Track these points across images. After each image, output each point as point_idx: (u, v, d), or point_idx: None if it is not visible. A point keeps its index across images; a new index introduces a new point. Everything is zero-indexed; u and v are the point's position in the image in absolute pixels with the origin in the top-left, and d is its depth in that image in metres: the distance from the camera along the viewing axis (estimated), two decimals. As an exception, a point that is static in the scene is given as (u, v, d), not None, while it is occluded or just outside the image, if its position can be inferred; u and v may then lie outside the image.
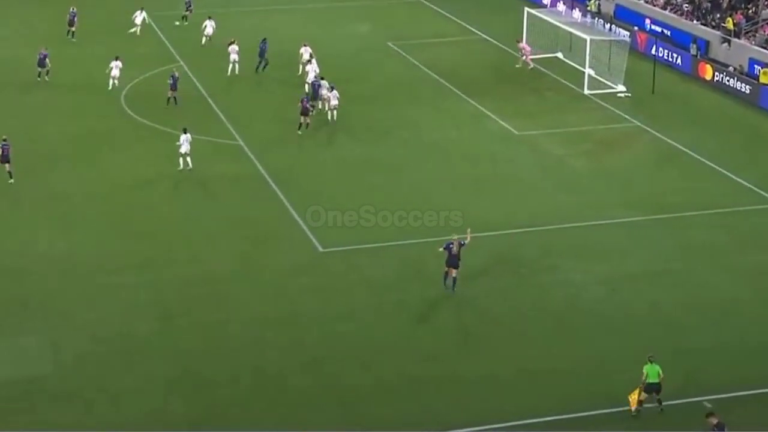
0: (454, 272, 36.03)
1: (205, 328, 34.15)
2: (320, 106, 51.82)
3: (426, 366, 32.20)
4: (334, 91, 51.26)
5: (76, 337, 33.62)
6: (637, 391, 29.54)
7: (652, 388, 29.48)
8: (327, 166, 46.82)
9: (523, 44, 59.56)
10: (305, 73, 54.81)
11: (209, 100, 54.59)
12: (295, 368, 32.11)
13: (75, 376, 31.61)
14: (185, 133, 45.63)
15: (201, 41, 63.10)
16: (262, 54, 57.62)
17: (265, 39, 58.01)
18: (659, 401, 29.68)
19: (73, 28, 64.13)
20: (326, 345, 33.31)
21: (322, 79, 52.85)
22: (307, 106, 50.17)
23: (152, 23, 67.46)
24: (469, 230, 36.83)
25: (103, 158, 47.33)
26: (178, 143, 45.55)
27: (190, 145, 45.44)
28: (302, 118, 49.92)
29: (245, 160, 47.26)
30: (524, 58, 59.02)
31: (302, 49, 57.06)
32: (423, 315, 35.12)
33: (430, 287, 36.48)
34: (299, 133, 49.65)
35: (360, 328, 34.26)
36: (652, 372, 29.43)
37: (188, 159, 45.58)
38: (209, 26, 63.25)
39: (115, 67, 55.61)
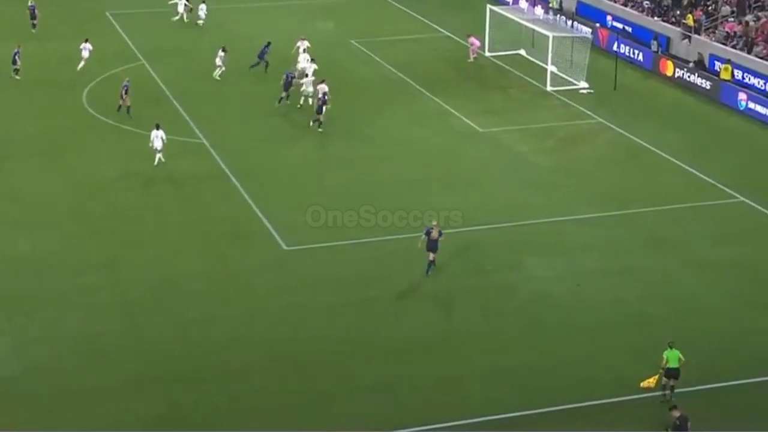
0: (431, 256, 36.71)
1: (171, 328, 33.98)
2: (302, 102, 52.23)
3: (395, 364, 32.18)
4: (322, 85, 50.81)
5: (42, 338, 33.33)
6: (652, 378, 30.03)
7: (671, 374, 29.94)
8: (291, 164, 46.62)
9: (473, 38, 59.74)
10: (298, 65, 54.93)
11: (171, 98, 54.26)
12: (263, 367, 32.02)
13: (40, 378, 31.33)
14: (158, 129, 45.48)
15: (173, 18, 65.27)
16: (261, 56, 57.27)
17: (269, 43, 57.60)
18: (672, 388, 30.06)
19: (35, 21, 63.86)
20: (294, 343, 33.19)
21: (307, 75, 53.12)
22: (290, 81, 51.55)
23: (114, 21, 67.08)
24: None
25: (65, 157, 46.93)
26: (150, 139, 45.38)
27: (163, 141, 45.34)
28: (284, 93, 51.60)
29: (208, 158, 47.03)
30: (473, 53, 59.15)
31: (298, 42, 57.27)
32: (391, 313, 35.06)
33: (398, 284, 36.48)
34: (317, 128, 49.80)
35: (328, 326, 34.15)
36: (672, 357, 29.89)
37: (160, 155, 45.48)
38: (201, 10, 65.85)
39: (85, 49, 56.32)
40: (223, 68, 56.25)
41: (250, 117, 52.06)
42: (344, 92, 54.95)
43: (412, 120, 51.99)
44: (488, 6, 62.13)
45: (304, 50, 56.09)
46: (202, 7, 65.93)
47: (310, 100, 51.70)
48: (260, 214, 41.48)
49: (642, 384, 30.06)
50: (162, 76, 57.28)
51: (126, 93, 50.71)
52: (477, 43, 59.85)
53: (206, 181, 44.92)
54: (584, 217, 41.52)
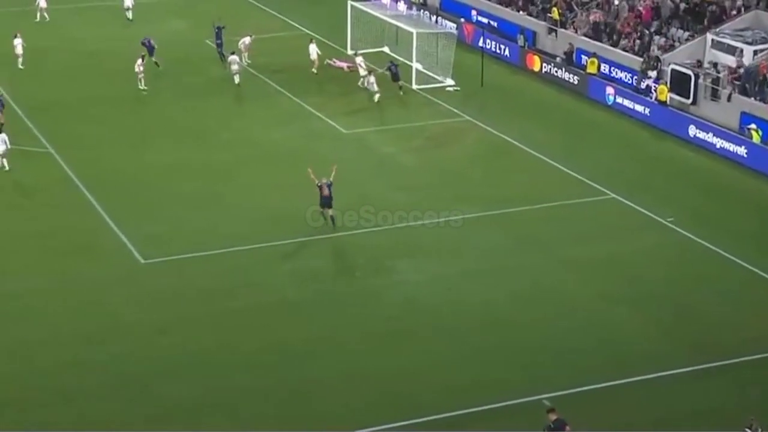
0: (330, 211, 38.53)
1: (17, 348, 31.96)
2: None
3: (253, 376, 30.86)
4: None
5: None
6: None
7: None
8: (146, 172, 44.58)
9: (339, 63, 57.82)
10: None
11: (13, 104, 51.18)
12: (109, 387, 30.24)
13: None
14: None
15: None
16: (219, 40, 57.52)
17: (218, 26, 57.72)
18: None
19: None
20: (148, 359, 31.56)
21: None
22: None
23: None
24: (334, 166, 38.94)
25: None
26: None
27: (6, 145, 43.70)
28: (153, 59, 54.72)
29: (55, 167, 44.71)
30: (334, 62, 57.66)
31: (245, 38, 57.65)
32: (251, 324, 33.56)
33: (262, 294, 35.23)
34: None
35: (185, 341, 32.51)
36: None
37: (4, 161, 43.80)
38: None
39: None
40: (142, 80, 53.88)
41: (103, 121, 50.02)
42: (200, 95, 53.63)
43: (272, 122, 50.38)
44: (349, 2, 60.59)
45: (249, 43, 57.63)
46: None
47: (236, 78, 53.67)
48: (114, 226, 39.45)
49: None
50: (2, 82, 54.30)
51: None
52: (343, 64, 57.73)
53: (53, 191, 42.78)
54: (453, 219, 40.31)
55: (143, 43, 56.05)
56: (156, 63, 55.23)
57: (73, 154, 45.81)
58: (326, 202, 38.66)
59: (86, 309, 34.21)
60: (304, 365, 31.30)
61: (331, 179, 38.88)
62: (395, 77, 53.43)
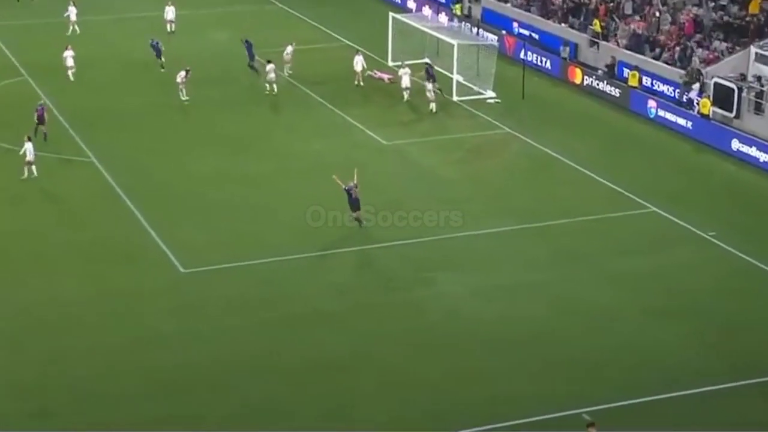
0: (357, 213, 39.34)
1: (53, 356, 31.99)
2: None
3: (291, 387, 30.66)
4: (271, 64, 54.46)
5: None
6: None
7: None
8: (188, 181, 44.69)
9: (380, 74, 57.87)
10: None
11: (58, 115, 51.53)
12: (150, 395, 30.17)
13: None
14: (29, 141, 43.94)
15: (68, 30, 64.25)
16: (250, 53, 57.69)
17: (247, 41, 57.98)
18: None
19: None
20: (183, 369, 31.45)
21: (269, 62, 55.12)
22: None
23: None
24: (356, 170, 39.64)
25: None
26: (22, 152, 43.63)
27: (34, 154, 43.83)
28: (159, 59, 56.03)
29: (97, 176, 44.88)
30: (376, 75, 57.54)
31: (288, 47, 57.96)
32: (287, 335, 33.45)
33: (300, 305, 35.05)
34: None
35: (221, 351, 32.38)
36: None
37: (33, 168, 43.82)
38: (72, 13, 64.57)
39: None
40: (184, 91, 53.93)
41: (145, 131, 50.29)
42: (240, 105, 53.81)
43: (312, 133, 50.31)
44: (391, 14, 60.62)
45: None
46: (72, 10, 64.92)
47: (275, 86, 53.90)
48: (155, 235, 39.54)
49: None
50: (47, 92, 54.55)
51: (43, 117, 48.00)
52: (384, 76, 57.76)
53: (95, 200, 42.87)
54: (494, 231, 40.21)
55: (151, 45, 57.03)
56: (161, 66, 56.08)
57: (115, 164, 46.01)
58: (355, 204, 39.29)
59: (126, 317, 34.25)
60: (342, 376, 31.16)
61: (355, 181, 39.36)
62: (432, 78, 53.43)
